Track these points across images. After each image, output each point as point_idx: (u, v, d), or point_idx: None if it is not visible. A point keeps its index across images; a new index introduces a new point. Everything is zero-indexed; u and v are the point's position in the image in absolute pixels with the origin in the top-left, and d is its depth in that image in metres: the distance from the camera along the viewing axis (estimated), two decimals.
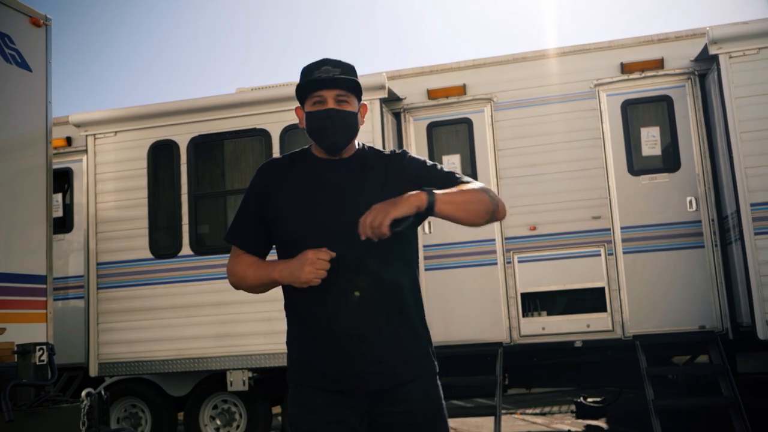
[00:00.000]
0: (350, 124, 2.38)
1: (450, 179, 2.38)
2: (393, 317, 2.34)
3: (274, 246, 2.48)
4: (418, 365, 2.37)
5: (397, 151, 2.52)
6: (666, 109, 6.92)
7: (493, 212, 2.33)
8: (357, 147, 2.49)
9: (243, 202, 2.50)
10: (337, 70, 2.35)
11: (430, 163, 2.48)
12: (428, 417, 2.36)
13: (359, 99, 2.44)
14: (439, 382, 2.42)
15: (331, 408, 2.30)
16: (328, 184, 2.38)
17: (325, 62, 2.38)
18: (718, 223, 6.67)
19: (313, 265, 2.19)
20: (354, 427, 2.31)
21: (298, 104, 2.47)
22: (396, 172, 2.42)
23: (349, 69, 2.40)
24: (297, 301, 2.37)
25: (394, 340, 2.33)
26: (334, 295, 2.28)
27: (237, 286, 2.48)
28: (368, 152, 2.50)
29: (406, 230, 2.19)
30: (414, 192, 2.19)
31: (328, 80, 2.34)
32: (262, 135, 7.26)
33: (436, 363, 2.43)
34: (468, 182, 2.36)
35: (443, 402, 2.41)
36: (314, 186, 2.38)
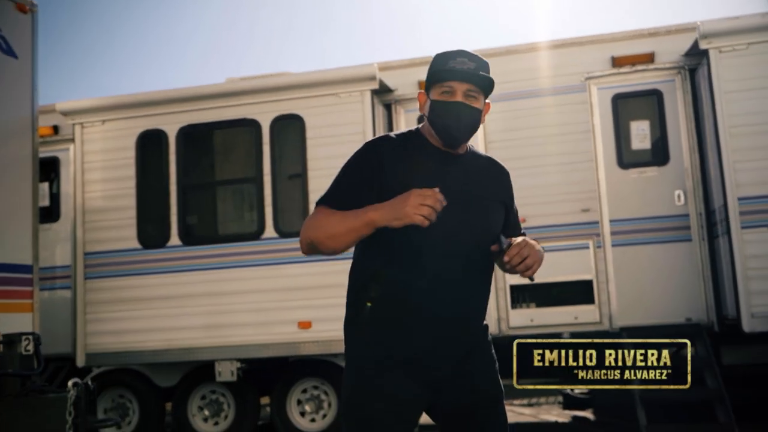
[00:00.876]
0: (474, 121, 2.35)
1: (519, 226, 2.57)
2: (478, 320, 2.43)
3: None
4: (488, 353, 2.45)
5: (503, 166, 2.56)
6: (656, 103, 6.94)
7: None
8: (467, 144, 2.47)
9: (348, 170, 2.38)
10: (473, 65, 2.31)
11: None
12: (492, 404, 2.41)
13: (486, 97, 2.40)
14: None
15: (397, 388, 2.28)
16: (445, 177, 2.32)
17: (462, 54, 2.33)
18: (705, 217, 6.71)
19: (418, 199, 2.12)
20: (414, 414, 2.34)
21: (420, 92, 2.44)
22: (503, 189, 2.50)
23: (485, 66, 2.36)
24: (386, 271, 2.30)
25: (478, 329, 2.43)
26: (435, 271, 2.27)
27: (312, 243, 2.30)
28: (475, 153, 2.51)
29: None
30: (540, 248, 2.32)
31: (463, 73, 2.29)
32: (252, 125, 7.22)
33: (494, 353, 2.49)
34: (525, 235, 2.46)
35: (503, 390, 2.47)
36: (431, 175, 2.31)
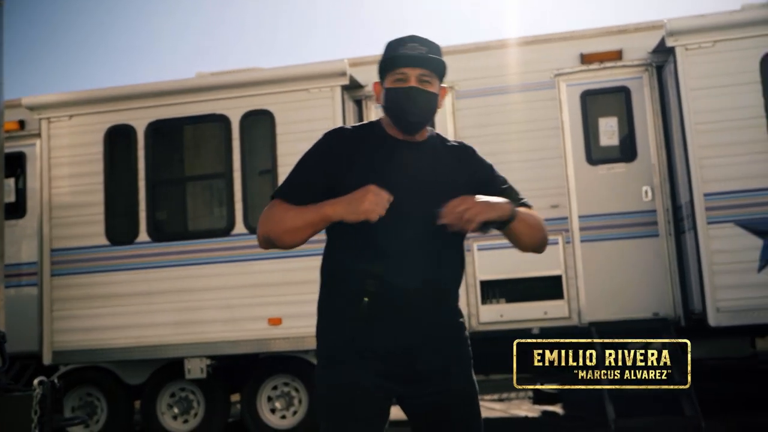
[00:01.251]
0: (430, 105, 2.32)
1: (514, 196, 2.40)
2: (451, 300, 2.37)
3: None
4: (465, 349, 2.39)
5: (466, 145, 2.50)
6: (624, 100, 7.01)
7: (544, 246, 2.44)
8: (427, 132, 2.44)
9: (304, 162, 2.36)
10: (424, 49, 2.28)
11: (500, 174, 2.48)
12: (465, 402, 2.35)
13: (441, 81, 2.36)
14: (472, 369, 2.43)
15: (369, 384, 2.23)
16: (404, 166, 2.31)
17: (412, 39, 2.30)
18: (672, 213, 6.80)
19: (376, 197, 2.13)
20: (384, 411, 2.28)
21: (375, 81, 2.39)
22: (470, 167, 2.42)
23: (436, 49, 2.33)
24: (349, 267, 2.27)
25: (450, 323, 2.36)
26: (399, 264, 2.22)
27: (268, 237, 2.29)
28: (438, 138, 2.46)
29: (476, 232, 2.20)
30: (503, 200, 2.24)
31: (413, 57, 2.27)
32: (222, 121, 7.16)
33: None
34: (530, 206, 2.42)
35: (477, 389, 2.42)
36: (387, 164, 2.30)
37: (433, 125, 7.60)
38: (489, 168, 2.47)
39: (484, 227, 2.19)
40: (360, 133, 2.40)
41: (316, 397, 2.38)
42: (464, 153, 2.47)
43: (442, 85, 2.38)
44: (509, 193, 2.42)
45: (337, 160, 2.30)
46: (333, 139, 2.37)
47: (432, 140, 2.43)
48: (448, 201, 2.21)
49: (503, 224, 2.26)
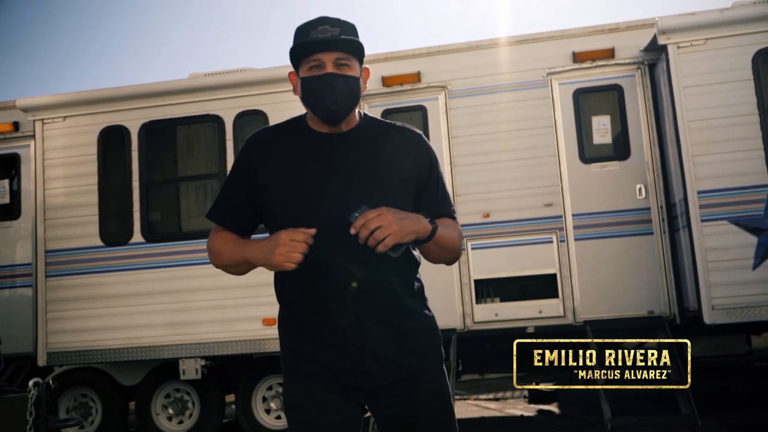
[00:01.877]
0: (352, 90, 2.12)
1: (446, 206, 2.27)
2: (390, 311, 2.16)
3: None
4: (421, 356, 2.20)
5: (413, 131, 2.27)
6: (616, 98, 7.02)
7: (453, 261, 2.29)
8: (358, 118, 2.24)
9: (229, 176, 2.27)
10: (336, 30, 2.09)
11: (439, 172, 2.28)
12: (432, 408, 2.20)
13: (361, 62, 2.17)
14: (444, 371, 2.27)
15: (331, 395, 2.14)
16: (325, 163, 2.14)
17: (323, 21, 2.11)
18: (666, 210, 6.80)
19: (286, 247, 1.99)
20: (355, 416, 2.17)
21: (290, 71, 2.21)
22: (410, 152, 2.21)
23: (350, 28, 2.13)
24: (287, 288, 2.21)
25: (393, 333, 2.16)
26: (326, 287, 2.11)
27: (215, 265, 2.28)
28: (372, 123, 2.26)
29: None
30: (421, 218, 2.08)
31: (325, 42, 2.08)
32: (215, 121, 7.16)
33: (442, 351, 2.27)
34: (455, 220, 2.28)
35: (449, 391, 2.26)
36: (309, 164, 2.15)
37: (423, 124, 7.46)
38: (430, 165, 2.25)
39: (397, 249, 2.01)
40: (282, 132, 2.24)
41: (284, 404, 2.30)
42: (407, 141, 2.24)
43: (364, 66, 2.21)
44: (440, 201, 2.26)
45: (256, 171, 2.18)
46: (252, 145, 2.23)
47: (362, 128, 2.23)
48: (375, 196, 2.06)
49: (416, 243, 2.11)
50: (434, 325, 2.27)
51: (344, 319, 2.12)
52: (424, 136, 2.30)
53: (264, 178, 2.17)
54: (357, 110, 2.24)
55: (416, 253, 2.26)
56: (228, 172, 2.32)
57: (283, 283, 2.23)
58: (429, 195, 2.24)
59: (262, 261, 2.06)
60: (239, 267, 2.22)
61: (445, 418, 2.23)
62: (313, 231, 2.02)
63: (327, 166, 2.14)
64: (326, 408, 2.14)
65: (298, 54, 2.13)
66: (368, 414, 2.28)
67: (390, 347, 2.16)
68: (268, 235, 2.16)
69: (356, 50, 2.14)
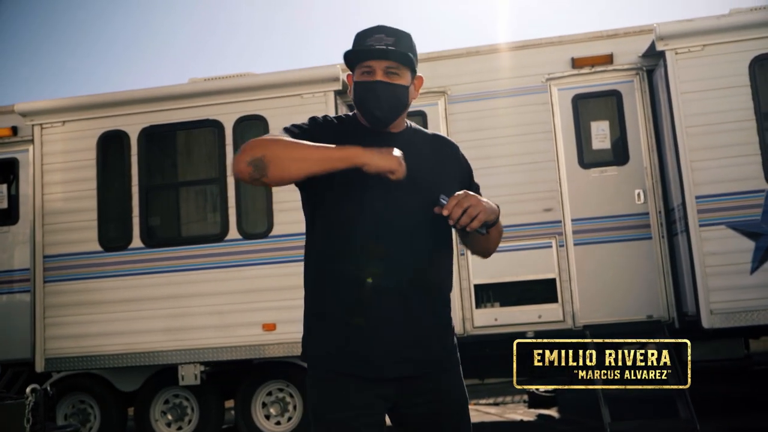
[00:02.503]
0: (398, 98, 2.23)
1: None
2: (438, 304, 2.28)
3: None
4: (451, 355, 2.31)
5: (449, 140, 2.46)
6: (615, 104, 7.05)
7: (491, 253, 2.41)
8: (405, 125, 2.36)
9: (301, 129, 2.23)
10: (391, 40, 2.20)
11: (474, 180, 2.45)
12: (455, 409, 2.28)
13: (414, 71, 2.29)
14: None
15: (360, 395, 2.16)
16: None
17: (380, 30, 2.23)
18: (664, 215, 6.83)
19: (401, 158, 2.08)
20: (381, 418, 2.20)
21: (348, 73, 2.32)
22: (456, 160, 2.39)
23: (405, 39, 2.24)
24: (337, 275, 2.19)
25: (437, 327, 2.28)
26: (387, 270, 2.15)
27: (261, 161, 2.02)
28: (417, 130, 2.39)
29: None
30: (492, 203, 2.19)
31: (377, 51, 2.19)
32: (215, 126, 7.17)
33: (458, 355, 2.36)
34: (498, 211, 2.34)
35: (467, 395, 2.35)
36: None
37: (425, 125, 7.50)
38: (470, 173, 2.45)
39: (482, 228, 2.11)
40: (339, 123, 2.33)
41: (311, 415, 2.26)
42: (448, 147, 2.43)
43: (417, 75, 2.31)
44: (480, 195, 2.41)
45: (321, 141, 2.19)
46: (318, 122, 2.29)
47: (410, 131, 2.37)
48: (428, 196, 2.16)
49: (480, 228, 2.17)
50: (453, 325, 2.38)
51: (397, 308, 2.17)
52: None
53: None
54: (405, 117, 2.35)
55: None
56: (291, 124, 2.25)
57: (333, 275, 2.21)
58: (473, 190, 2.35)
59: (377, 160, 2.05)
60: (311, 162, 2.06)
61: (468, 414, 2.33)
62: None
63: None
64: (359, 412, 2.15)
65: (354, 59, 2.24)
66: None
67: (433, 339, 2.25)
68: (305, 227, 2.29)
69: (408, 61, 2.23)
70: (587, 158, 7.03)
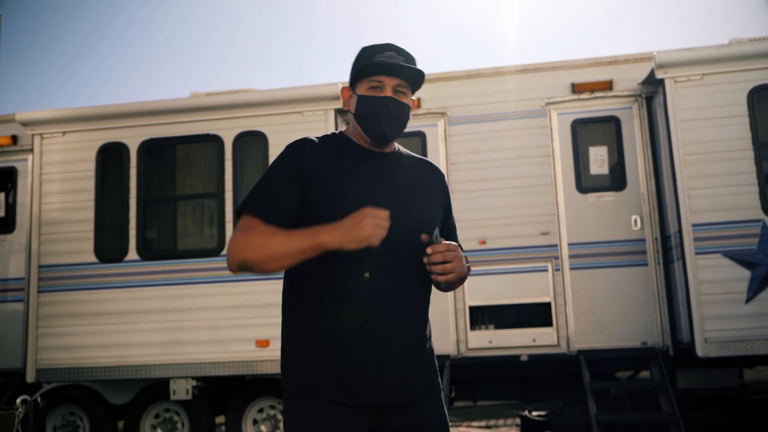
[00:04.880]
0: (404, 117, 2.23)
1: (454, 233, 2.43)
2: (415, 339, 2.23)
3: None
4: (433, 381, 2.28)
5: (436, 165, 2.43)
6: (614, 130, 7.09)
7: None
8: (394, 146, 2.35)
9: (272, 175, 2.19)
10: (401, 59, 2.19)
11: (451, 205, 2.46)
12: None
13: (414, 94, 2.28)
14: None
15: (340, 421, 2.11)
16: (381, 178, 2.21)
17: (390, 47, 2.20)
18: (661, 242, 6.84)
19: (374, 221, 1.98)
20: None
21: (344, 86, 2.29)
22: (441, 187, 2.38)
23: (412, 60, 2.23)
24: (322, 300, 2.14)
25: (421, 355, 2.24)
26: (373, 299, 2.11)
27: (246, 263, 2.08)
28: (406, 154, 2.37)
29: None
30: (466, 265, 2.21)
31: (394, 66, 2.16)
32: (215, 141, 7.18)
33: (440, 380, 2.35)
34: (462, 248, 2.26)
35: (448, 422, 2.30)
36: (367, 175, 2.19)
37: (422, 150, 7.52)
38: (449, 198, 2.43)
39: (443, 283, 2.16)
40: (326, 143, 2.25)
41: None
42: (434, 172, 2.40)
43: (413, 97, 2.31)
44: (454, 230, 2.44)
45: (307, 172, 2.15)
46: (302, 149, 2.21)
47: (398, 154, 2.34)
48: (421, 218, 2.20)
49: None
50: (434, 353, 2.35)
51: (383, 335, 2.14)
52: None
53: (317, 184, 2.14)
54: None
55: None
56: (266, 172, 2.22)
57: (318, 296, 2.16)
58: (449, 224, 2.40)
59: (345, 239, 1.99)
60: (289, 258, 2.07)
61: None
62: (387, 213, 2.02)
63: (382, 179, 2.21)
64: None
65: (362, 72, 2.20)
66: None
67: (414, 367, 2.21)
68: None
69: (416, 81, 2.23)
70: (585, 183, 7.05)
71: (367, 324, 2.12)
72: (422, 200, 2.25)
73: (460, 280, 2.22)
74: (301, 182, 2.14)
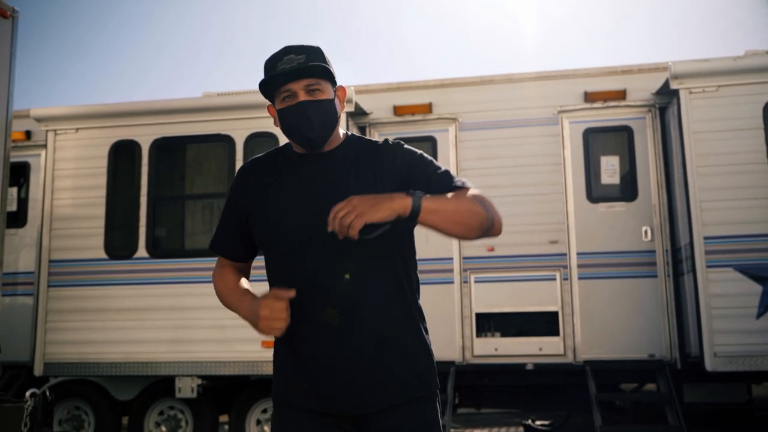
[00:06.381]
0: (326, 113, 2.12)
1: (445, 181, 2.10)
2: (376, 339, 2.08)
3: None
4: (406, 388, 2.10)
5: (390, 141, 2.21)
6: (626, 139, 7.05)
7: (487, 229, 2.07)
8: (342, 137, 2.24)
9: (224, 208, 2.33)
10: (302, 57, 2.09)
11: (426, 157, 2.18)
12: None
13: (334, 83, 2.17)
14: (437, 405, 2.16)
15: (317, 429, 2.10)
16: (306, 183, 2.14)
17: (287, 51, 2.11)
18: (671, 254, 6.79)
19: (266, 320, 1.97)
20: None
21: (268, 104, 2.21)
22: (387, 162, 2.14)
23: (316, 53, 2.12)
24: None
25: (377, 363, 2.08)
26: (307, 316, 2.07)
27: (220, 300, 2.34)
28: (356, 142, 2.24)
29: (379, 239, 1.93)
30: (398, 194, 1.96)
31: (291, 71, 2.07)
32: (226, 141, 7.20)
33: (437, 381, 2.18)
34: (464, 188, 2.09)
35: (439, 426, 2.14)
36: (292, 185, 2.15)
37: (432, 155, 7.55)
38: (409, 163, 2.15)
39: (368, 231, 1.90)
40: (268, 159, 2.28)
41: None
42: (384, 148, 2.19)
43: (339, 86, 2.21)
44: (436, 179, 2.11)
45: (243, 198, 2.24)
46: (239, 175, 2.30)
47: (345, 147, 2.22)
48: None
49: (407, 221, 1.97)
50: (425, 352, 2.17)
51: (331, 340, 2.07)
52: (403, 144, 2.22)
53: (249, 203, 2.22)
54: (341, 130, 2.25)
55: (416, 274, 2.24)
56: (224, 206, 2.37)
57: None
58: (421, 176, 2.13)
59: (251, 324, 2.07)
60: (232, 310, 2.26)
61: None
62: (292, 293, 2.00)
63: (308, 184, 2.15)
64: None
65: (269, 87, 2.14)
66: None
67: (380, 373, 2.09)
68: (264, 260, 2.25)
69: (325, 73, 2.13)
70: (596, 192, 7.01)
71: (318, 333, 2.08)
72: (361, 189, 2.02)
73: (411, 212, 1.96)
74: (238, 211, 2.25)
